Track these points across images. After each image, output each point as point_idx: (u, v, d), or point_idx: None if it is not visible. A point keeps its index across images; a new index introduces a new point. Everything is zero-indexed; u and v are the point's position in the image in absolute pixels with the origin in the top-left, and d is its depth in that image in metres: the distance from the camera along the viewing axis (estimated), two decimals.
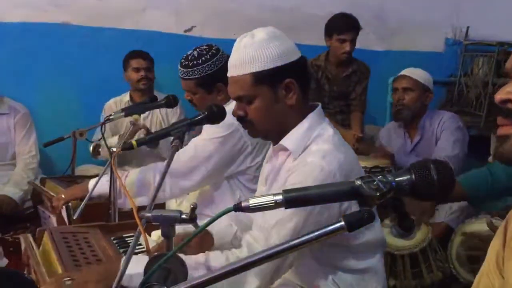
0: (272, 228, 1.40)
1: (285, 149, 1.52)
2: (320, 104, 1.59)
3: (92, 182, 2.13)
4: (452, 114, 3.22)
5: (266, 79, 1.47)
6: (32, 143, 3.37)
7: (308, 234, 0.87)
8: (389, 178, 0.84)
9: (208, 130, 2.05)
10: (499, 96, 0.90)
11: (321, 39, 3.72)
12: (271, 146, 1.63)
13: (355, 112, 3.81)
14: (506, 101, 0.89)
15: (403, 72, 3.16)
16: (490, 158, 3.56)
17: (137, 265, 1.34)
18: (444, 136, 3.06)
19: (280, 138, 1.54)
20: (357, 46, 3.68)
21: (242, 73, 1.48)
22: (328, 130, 1.51)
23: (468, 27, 4.58)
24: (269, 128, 1.54)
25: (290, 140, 1.51)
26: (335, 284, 1.50)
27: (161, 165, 2.13)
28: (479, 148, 3.48)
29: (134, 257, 1.40)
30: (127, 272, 1.31)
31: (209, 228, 1.37)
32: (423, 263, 2.27)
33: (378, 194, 0.83)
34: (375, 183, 0.84)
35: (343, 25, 3.58)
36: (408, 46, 4.57)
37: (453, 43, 4.71)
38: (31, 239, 1.79)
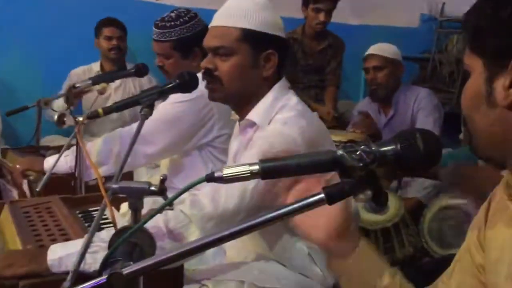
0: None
1: (251, 124, 1.47)
2: (284, 76, 1.53)
3: (49, 158, 2.04)
4: (428, 91, 3.21)
5: (253, 40, 1.42)
6: None
7: (284, 207, 0.81)
8: (373, 148, 0.79)
9: (174, 95, 1.96)
10: None
11: (299, 11, 3.63)
12: (237, 123, 1.57)
13: (329, 87, 3.77)
14: None
15: (370, 51, 3.11)
16: (461, 135, 3.59)
17: (65, 247, 1.26)
18: (422, 116, 3.05)
19: (240, 107, 1.50)
20: (333, 20, 3.62)
21: (230, 25, 1.43)
22: (292, 99, 1.47)
23: (443, 3, 4.56)
24: (234, 91, 1.47)
25: (256, 113, 1.46)
26: (310, 258, 1.47)
27: (125, 132, 2.02)
28: (451, 125, 3.49)
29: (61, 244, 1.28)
30: (57, 255, 1.22)
31: None
32: (395, 238, 2.28)
33: (361, 164, 0.78)
34: (357, 153, 0.79)
35: None
36: (383, 20, 4.53)
37: (428, 19, 4.69)
38: None
